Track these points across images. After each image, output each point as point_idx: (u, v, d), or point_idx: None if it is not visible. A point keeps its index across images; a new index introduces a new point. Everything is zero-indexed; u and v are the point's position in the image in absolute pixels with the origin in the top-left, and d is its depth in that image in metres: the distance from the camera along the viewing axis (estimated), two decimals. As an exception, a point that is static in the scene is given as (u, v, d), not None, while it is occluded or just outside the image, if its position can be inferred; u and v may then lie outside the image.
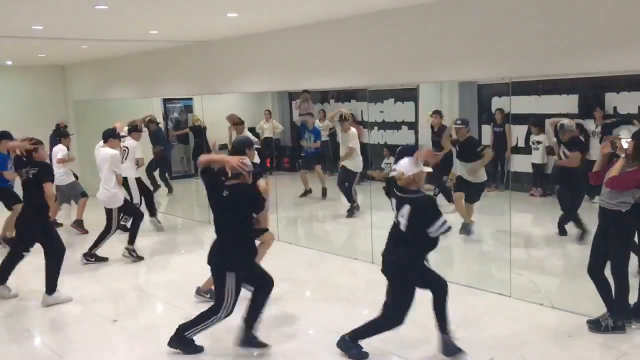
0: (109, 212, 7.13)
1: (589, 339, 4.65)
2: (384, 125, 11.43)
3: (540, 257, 7.16)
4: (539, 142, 9.70)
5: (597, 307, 4.81)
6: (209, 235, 8.95)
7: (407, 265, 4.17)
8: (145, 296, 6.21)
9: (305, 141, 10.44)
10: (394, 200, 4.27)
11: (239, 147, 5.05)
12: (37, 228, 5.78)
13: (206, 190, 4.50)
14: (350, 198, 8.97)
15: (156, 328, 5.28)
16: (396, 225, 4.24)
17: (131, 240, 7.19)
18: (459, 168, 7.61)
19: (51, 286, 5.81)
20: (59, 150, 8.54)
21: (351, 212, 8.99)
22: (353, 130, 9.08)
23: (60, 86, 12.97)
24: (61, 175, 8.34)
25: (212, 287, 5.28)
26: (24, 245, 5.91)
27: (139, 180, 8.24)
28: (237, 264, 4.38)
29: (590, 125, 9.01)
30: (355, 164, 8.92)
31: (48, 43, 8.47)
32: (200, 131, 12.09)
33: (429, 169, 4.34)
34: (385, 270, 4.28)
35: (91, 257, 7.12)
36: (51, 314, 5.69)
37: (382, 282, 4.32)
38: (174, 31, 7.80)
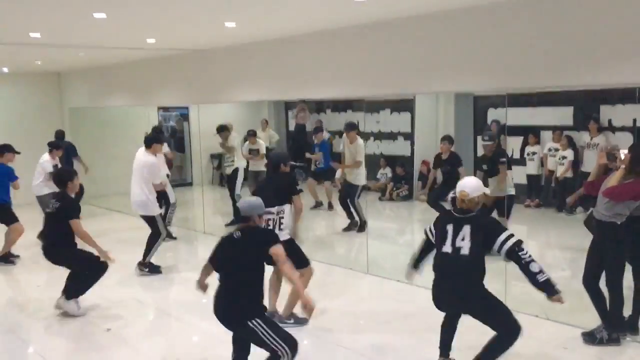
0: (149, 219, 6.94)
1: (584, 352, 4.64)
2: (380, 136, 11.47)
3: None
4: (534, 153, 9.75)
5: (592, 320, 4.82)
6: (206, 244, 8.97)
7: (480, 291, 3.99)
8: (141, 306, 6.18)
9: (316, 156, 10.20)
10: (450, 226, 4.01)
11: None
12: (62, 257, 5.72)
13: None
14: (351, 214, 8.78)
15: (151, 336, 5.25)
16: (452, 253, 3.97)
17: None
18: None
19: (71, 293, 5.69)
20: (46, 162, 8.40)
21: (349, 228, 8.79)
22: (360, 141, 8.73)
23: (55, 93, 12.95)
24: (41, 187, 8.23)
25: (294, 311, 5.19)
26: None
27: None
28: None
29: (585, 137, 9.07)
30: (359, 177, 8.59)
31: (45, 50, 8.46)
32: None
33: (488, 190, 4.23)
34: (457, 309, 4.11)
35: (145, 266, 6.95)
36: (47, 322, 5.66)
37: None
38: (171, 40, 7.82)
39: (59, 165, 8.48)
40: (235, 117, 11.99)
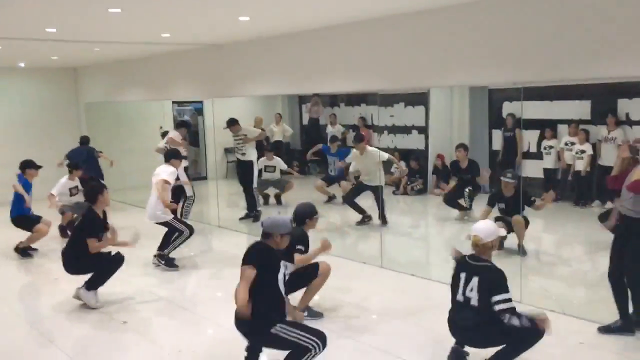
0: (166, 224, 6.98)
1: (601, 347, 4.60)
2: (394, 129, 11.43)
3: (551, 262, 7.11)
4: (550, 147, 9.65)
5: (610, 314, 4.77)
6: (220, 238, 9.03)
7: (491, 331, 3.90)
8: (157, 298, 6.23)
9: (330, 166, 10.28)
10: (463, 275, 3.96)
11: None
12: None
13: None
14: (361, 209, 8.79)
15: (169, 331, 5.30)
16: (463, 302, 3.94)
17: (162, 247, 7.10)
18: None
19: (91, 284, 5.79)
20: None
21: (363, 222, 8.80)
22: (370, 148, 8.75)
23: (72, 88, 13.05)
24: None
25: (309, 305, 5.23)
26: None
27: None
28: None
29: (602, 131, 8.97)
30: (376, 178, 8.58)
31: (61, 45, 8.52)
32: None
33: (505, 233, 4.10)
34: (473, 345, 4.11)
35: (162, 259, 7.02)
36: (64, 314, 5.73)
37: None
38: (185, 34, 7.84)
39: (79, 187, 8.58)
40: (250, 111, 12.05)
